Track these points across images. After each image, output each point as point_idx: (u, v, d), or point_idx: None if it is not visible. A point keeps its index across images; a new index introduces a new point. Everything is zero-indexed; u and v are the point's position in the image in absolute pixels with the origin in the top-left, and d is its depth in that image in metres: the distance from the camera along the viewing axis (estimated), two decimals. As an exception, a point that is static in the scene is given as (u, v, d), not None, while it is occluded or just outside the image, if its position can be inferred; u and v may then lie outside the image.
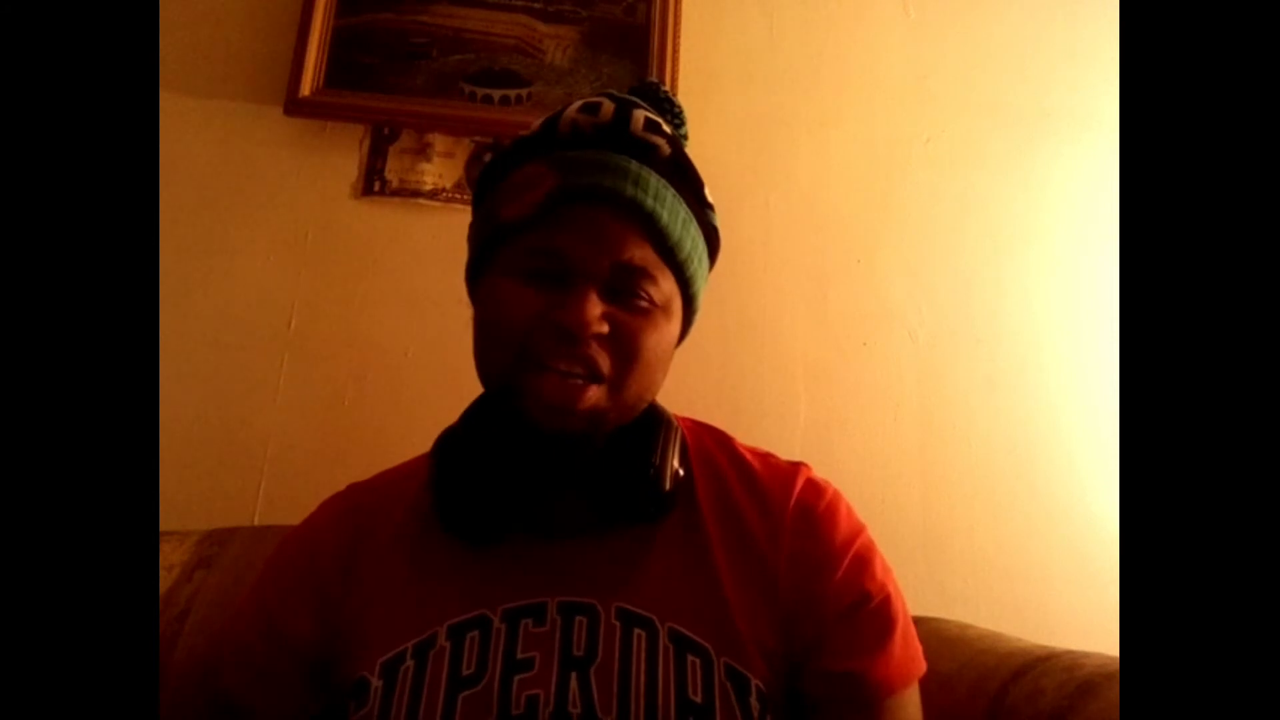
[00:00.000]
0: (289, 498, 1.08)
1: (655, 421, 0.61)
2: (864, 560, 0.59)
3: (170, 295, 1.11)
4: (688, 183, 0.60)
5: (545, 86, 1.26)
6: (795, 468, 0.64)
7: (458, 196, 1.23)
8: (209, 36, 1.24)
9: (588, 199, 0.55)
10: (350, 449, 1.11)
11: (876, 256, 1.31)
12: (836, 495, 0.63)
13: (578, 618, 0.55)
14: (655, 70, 1.27)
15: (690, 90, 1.28)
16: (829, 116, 1.36)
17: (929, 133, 1.37)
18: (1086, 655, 0.67)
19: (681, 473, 0.60)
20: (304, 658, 0.59)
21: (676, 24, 1.30)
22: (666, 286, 0.58)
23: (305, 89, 1.20)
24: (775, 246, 1.29)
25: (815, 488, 0.62)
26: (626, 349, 0.56)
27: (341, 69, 1.22)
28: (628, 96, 0.62)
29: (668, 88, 1.25)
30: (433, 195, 1.23)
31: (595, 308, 0.54)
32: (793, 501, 0.60)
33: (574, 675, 0.53)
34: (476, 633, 0.55)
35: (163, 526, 0.81)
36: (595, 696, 0.52)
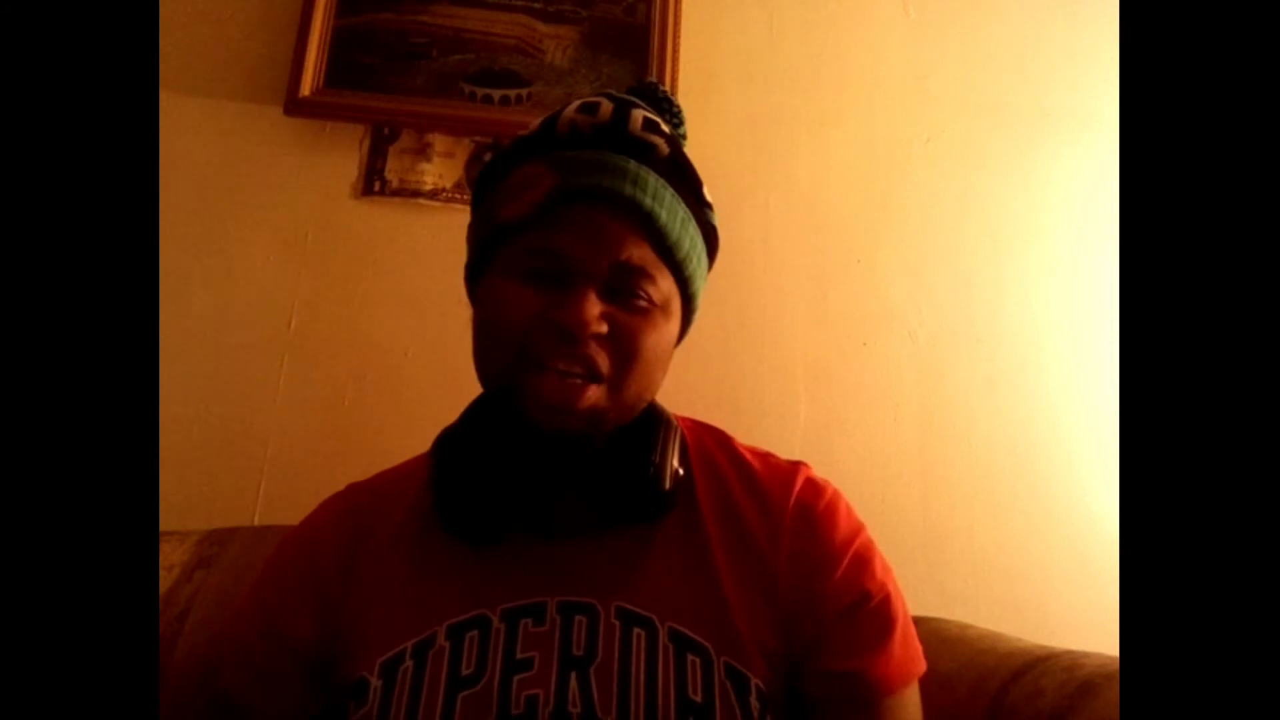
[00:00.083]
0: (289, 498, 1.08)
1: (655, 421, 0.61)
2: (864, 559, 0.59)
3: (170, 295, 1.11)
4: (686, 182, 0.60)
5: (545, 86, 1.26)
6: (795, 467, 0.64)
7: (458, 196, 1.23)
8: (209, 36, 1.24)
9: (586, 199, 0.55)
10: (350, 449, 1.11)
11: (876, 256, 1.31)
12: (836, 494, 0.63)
13: (577, 617, 0.55)
14: (655, 70, 1.27)
15: (690, 90, 1.28)
16: (829, 116, 1.35)
17: (929, 133, 1.37)
18: (1086, 655, 0.67)
19: (681, 472, 0.60)
20: (304, 658, 0.59)
21: (676, 24, 1.30)
22: (665, 286, 0.58)
23: (305, 89, 1.20)
24: (775, 246, 1.29)
25: (815, 487, 0.62)
26: (626, 349, 0.56)
27: (341, 69, 1.22)
28: (626, 96, 0.62)
29: (667, 88, 1.25)
30: (433, 195, 1.23)
31: (594, 307, 0.54)
32: (792, 501, 0.60)
33: (574, 675, 0.53)
34: (476, 632, 0.55)
35: (163, 526, 0.81)
36: (595, 696, 0.52)
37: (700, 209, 0.61)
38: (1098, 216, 1.36)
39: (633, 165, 0.57)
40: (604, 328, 0.55)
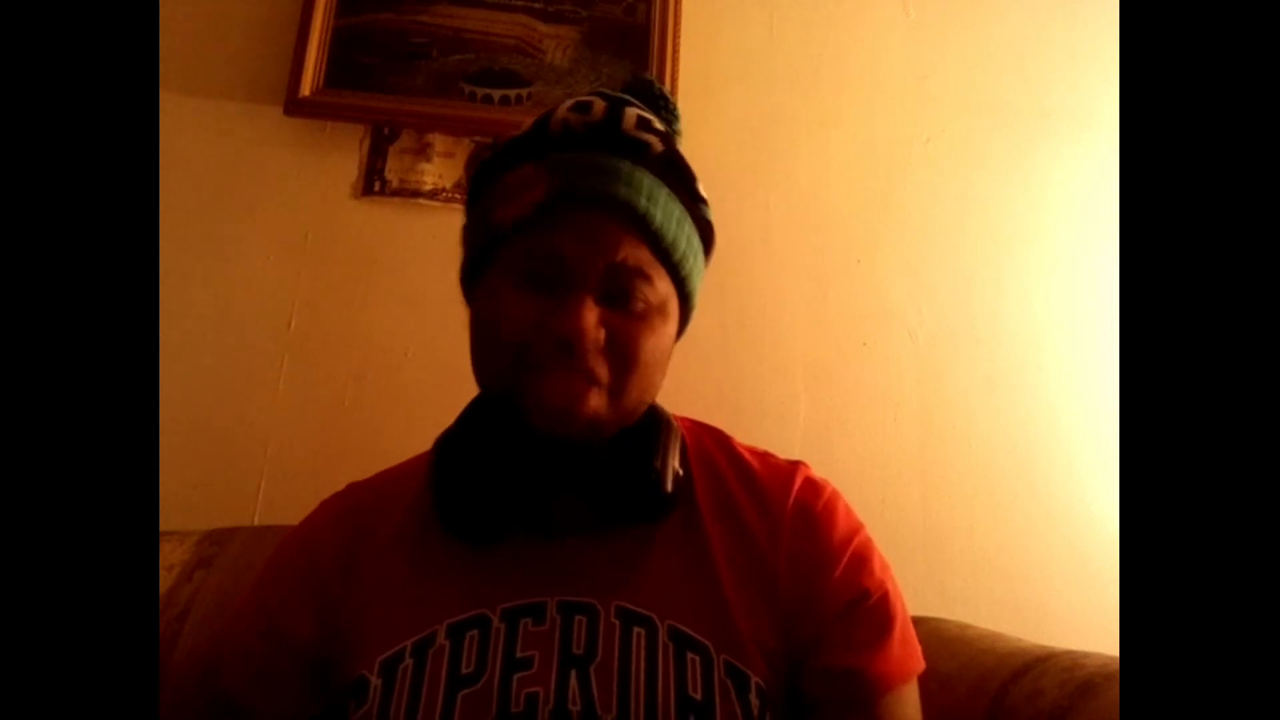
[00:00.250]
0: (289, 498, 1.08)
1: (655, 423, 0.61)
2: (862, 558, 0.59)
3: (170, 295, 1.11)
4: (681, 179, 0.60)
5: (545, 86, 1.26)
6: (794, 467, 0.64)
7: (458, 196, 1.23)
8: (209, 36, 1.24)
9: (581, 202, 0.55)
10: (350, 449, 1.11)
11: (876, 256, 1.31)
12: (834, 494, 0.63)
13: (577, 617, 0.55)
14: (655, 70, 1.27)
15: (690, 90, 1.28)
16: (829, 116, 1.36)
17: (929, 133, 1.37)
18: (1086, 655, 0.67)
19: (681, 473, 0.60)
20: (304, 657, 0.59)
21: (676, 24, 1.30)
22: (662, 287, 0.58)
23: (305, 89, 1.20)
24: (775, 246, 1.29)
25: (814, 486, 0.62)
26: (625, 355, 0.56)
27: (341, 69, 1.22)
28: (619, 94, 0.61)
29: (667, 87, 1.25)
30: (433, 195, 1.23)
31: (591, 315, 0.54)
32: (791, 500, 0.60)
33: (574, 673, 0.53)
34: (476, 631, 0.55)
35: (163, 526, 0.80)
36: (595, 694, 0.52)
37: (695, 205, 0.61)
38: (1098, 216, 1.36)
39: (626, 166, 0.57)
40: (602, 336, 0.55)
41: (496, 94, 1.25)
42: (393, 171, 1.23)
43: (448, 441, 0.61)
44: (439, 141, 1.25)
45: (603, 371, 0.55)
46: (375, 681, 0.54)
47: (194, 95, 1.21)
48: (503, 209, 0.57)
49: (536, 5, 1.30)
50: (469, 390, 0.62)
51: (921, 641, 0.60)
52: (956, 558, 1.19)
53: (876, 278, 1.30)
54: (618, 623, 0.55)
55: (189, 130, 1.19)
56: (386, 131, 1.24)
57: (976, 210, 1.34)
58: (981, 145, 1.37)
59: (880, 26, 1.40)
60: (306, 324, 1.16)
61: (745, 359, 1.23)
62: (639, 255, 0.56)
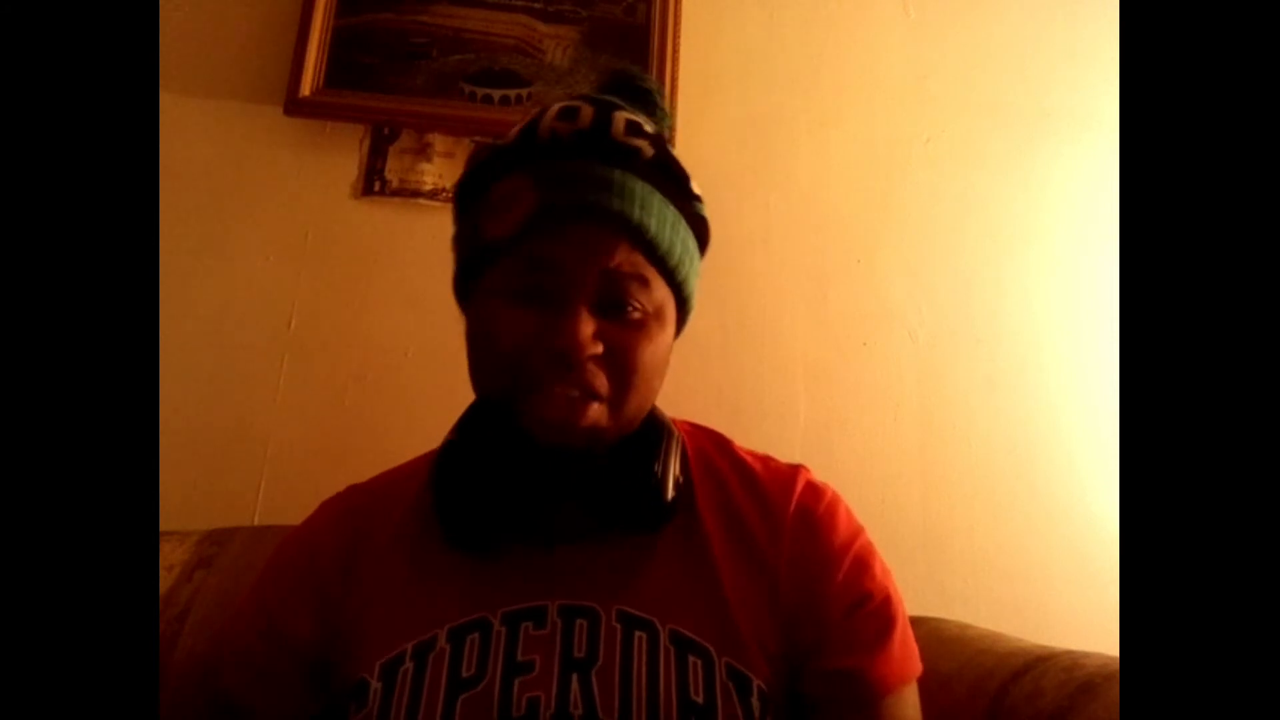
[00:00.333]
0: (289, 498, 1.08)
1: (656, 430, 0.61)
2: (864, 562, 0.59)
3: (170, 295, 1.11)
4: (673, 179, 0.59)
5: (545, 86, 1.26)
6: (795, 470, 0.64)
7: (458, 196, 1.23)
8: (209, 36, 1.24)
9: (572, 215, 0.54)
10: (350, 449, 1.11)
11: (876, 256, 1.31)
12: (835, 497, 0.63)
13: (578, 620, 0.55)
14: (655, 70, 1.27)
15: (690, 90, 1.28)
16: (829, 116, 1.35)
17: (929, 133, 1.37)
18: (1086, 655, 0.67)
19: (681, 480, 0.60)
20: (304, 658, 0.59)
21: (676, 24, 1.30)
22: (659, 293, 0.57)
23: (305, 89, 1.20)
24: (775, 246, 1.29)
25: (815, 490, 0.62)
26: (623, 366, 0.55)
27: (341, 69, 1.22)
28: (606, 98, 0.60)
29: (667, 87, 1.26)
30: (433, 195, 1.23)
31: (588, 327, 0.53)
32: (793, 504, 0.60)
33: (575, 677, 0.53)
34: (476, 635, 0.55)
35: (163, 526, 0.80)
36: (597, 698, 0.52)
37: (689, 204, 0.60)
38: (1098, 216, 1.36)
39: (617, 175, 0.55)
40: (599, 348, 0.54)
41: (496, 94, 1.25)
42: (393, 171, 1.23)
43: (448, 451, 0.61)
44: (439, 141, 1.25)
45: (601, 384, 0.55)
46: (375, 684, 0.54)
47: (194, 95, 1.21)
48: (493, 222, 0.56)
49: (536, 5, 1.30)
50: (469, 391, 0.62)
51: (921, 642, 0.60)
52: (956, 558, 1.19)
53: (876, 278, 1.30)
54: (619, 626, 0.55)
55: (189, 130, 1.19)
56: (386, 131, 1.24)
57: (976, 210, 1.34)
58: (981, 145, 1.37)
59: (880, 26, 1.40)
60: (306, 324, 1.16)
61: (745, 359, 1.23)
62: (634, 260, 0.56)
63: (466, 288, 0.61)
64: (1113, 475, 1.24)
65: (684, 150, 0.61)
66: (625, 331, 0.56)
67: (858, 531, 0.61)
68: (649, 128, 0.59)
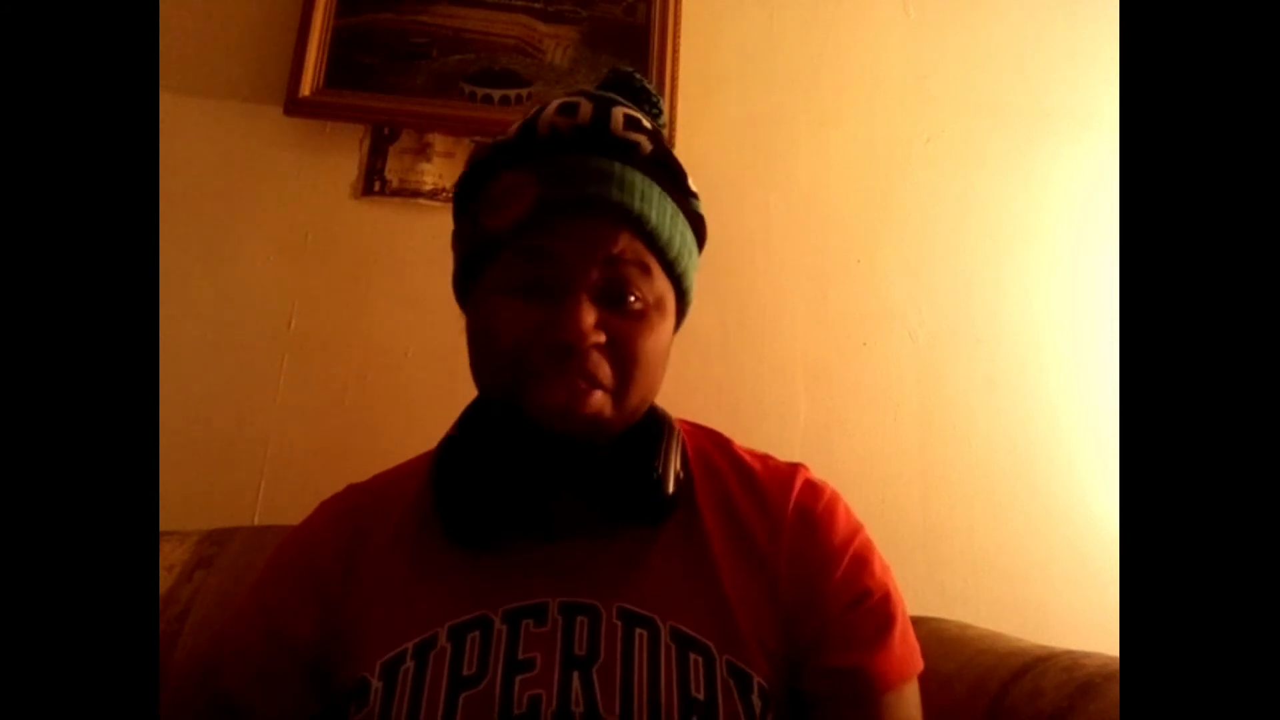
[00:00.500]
0: (289, 498, 1.08)
1: (657, 425, 0.61)
2: (863, 559, 0.59)
3: (170, 295, 1.11)
4: (671, 175, 0.60)
5: (545, 86, 1.26)
6: (794, 469, 0.64)
7: (458, 196, 1.23)
8: (209, 36, 1.24)
9: (573, 208, 0.55)
10: (350, 449, 1.11)
11: (876, 256, 1.31)
12: (834, 496, 0.63)
13: (579, 618, 0.55)
14: (655, 70, 1.27)
15: (690, 90, 1.29)
16: (829, 116, 1.36)
17: (929, 133, 1.37)
18: (1086, 655, 0.67)
19: (682, 475, 0.60)
20: (304, 658, 0.59)
21: (676, 24, 1.30)
22: (659, 283, 0.58)
23: (305, 89, 1.20)
24: (775, 246, 1.29)
25: (813, 489, 0.62)
26: (625, 356, 0.55)
27: (341, 69, 1.22)
28: (605, 94, 0.60)
29: (667, 87, 1.26)
30: (433, 195, 1.23)
31: (589, 316, 0.54)
32: (792, 503, 0.60)
33: (576, 675, 0.53)
34: (477, 633, 0.55)
35: (163, 526, 0.80)
36: (598, 695, 0.52)
37: (686, 199, 0.61)
38: (1098, 216, 1.36)
39: (617, 168, 0.56)
40: (602, 337, 0.54)
41: (496, 94, 1.25)
42: (393, 171, 1.23)
43: (449, 447, 0.61)
44: (439, 141, 1.25)
45: (604, 373, 0.55)
46: (376, 684, 0.54)
47: (194, 95, 1.21)
48: (494, 217, 0.57)
49: (536, 5, 1.30)
50: (469, 390, 0.62)
51: (921, 641, 0.60)
52: (956, 558, 1.19)
53: (876, 278, 1.30)
54: (620, 624, 0.55)
55: (189, 130, 1.19)
56: (386, 131, 1.24)
57: (976, 210, 1.34)
58: (981, 145, 1.37)
59: (880, 26, 1.40)
60: (306, 324, 1.16)
61: (745, 359, 1.23)
62: (636, 248, 0.56)
63: (466, 285, 0.61)
64: (1113, 475, 1.24)
65: (684, 150, 0.62)
66: (627, 321, 0.56)
67: (857, 529, 0.61)
68: (647, 123, 0.60)
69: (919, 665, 0.58)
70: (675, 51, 1.29)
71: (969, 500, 1.22)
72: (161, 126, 1.14)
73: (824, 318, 1.27)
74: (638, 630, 0.55)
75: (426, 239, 1.20)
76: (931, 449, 1.24)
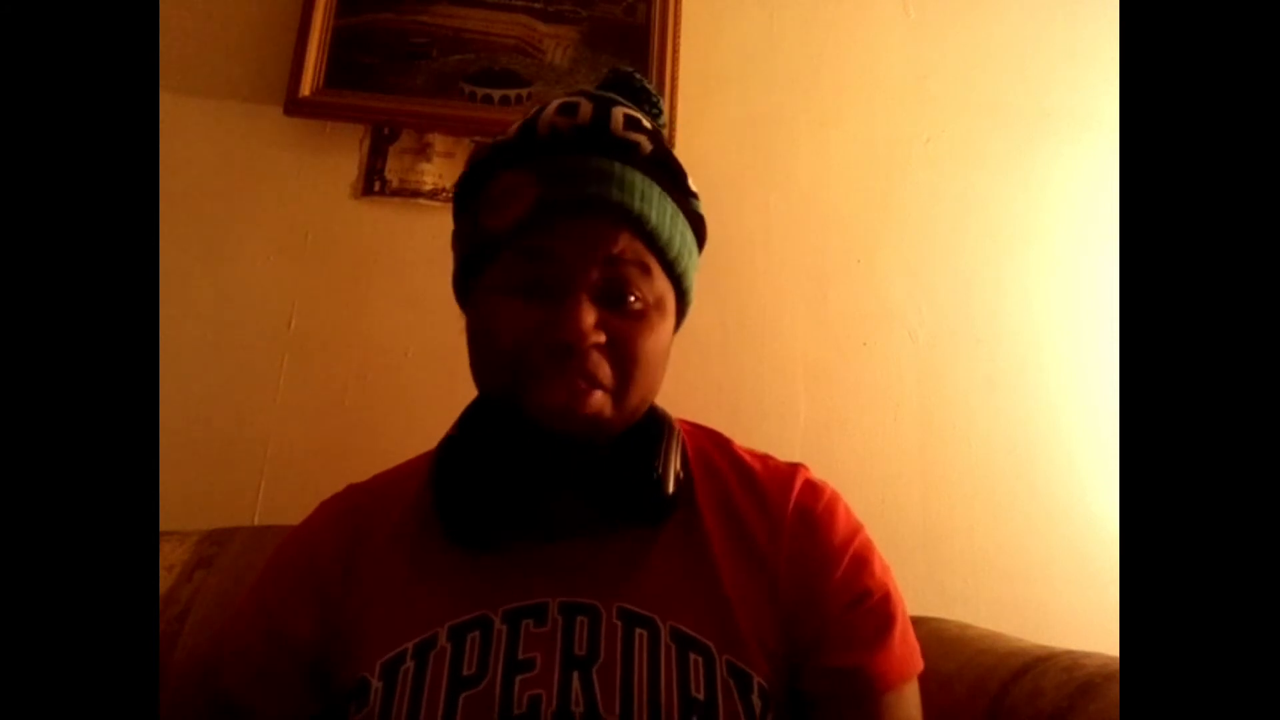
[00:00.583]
0: (289, 498, 1.08)
1: (657, 425, 0.61)
2: (863, 559, 0.59)
3: (170, 295, 1.11)
4: (671, 175, 0.60)
5: (545, 86, 1.26)
6: (793, 469, 0.64)
7: (458, 196, 1.23)
8: (209, 36, 1.24)
9: (573, 208, 0.55)
10: (350, 449, 1.11)
11: (876, 256, 1.31)
12: (834, 496, 0.63)
13: (579, 618, 0.55)
14: (655, 70, 1.27)
15: (690, 90, 1.29)
16: (829, 116, 1.36)
17: (929, 133, 1.37)
18: (1086, 655, 0.67)
19: (682, 475, 0.60)
20: (304, 657, 0.59)
21: (676, 24, 1.30)
22: (659, 283, 0.58)
23: (305, 89, 1.20)
24: (775, 246, 1.29)
25: (813, 489, 0.62)
26: (625, 356, 0.55)
27: (341, 69, 1.22)
28: (605, 94, 0.60)
29: (667, 87, 1.26)
30: (433, 195, 1.23)
31: (590, 316, 0.54)
32: (792, 502, 0.60)
33: (576, 675, 0.53)
34: (477, 633, 0.55)
35: (163, 526, 0.80)
36: (598, 695, 0.52)
37: (686, 199, 0.61)
38: (1098, 216, 1.36)
39: (617, 168, 0.56)
40: (602, 337, 0.54)
41: (496, 94, 1.25)
42: (393, 171, 1.23)
43: (449, 447, 0.61)
44: (439, 141, 1.25)
45: (604, 373, 0.55)
46: (376, 684, 0.54)
47: (194, 95, 1.21)
48: (493, 217, 0.57)
49: (536, 5, 1.30)
50: (469, 390, 0.62)
51: (921, 641, 0.60)
52: (956, 558, 1.19)
53: (876, 278, 1.30)
54: (619, 624, 0.55)
55: (189, 130, 1.19)
56: (386, 131, 1.24)
57: (976, 210, 1.34)
58: (981, 145, 1.37)
59: (880, 26, 1.40)
60: (306, 324, 1.16)
61: (745, 359, 1.23)
62: (636, 248, 0.56)
63: (466, 285, 0.61)
64: (1113, 475, 1.24)
65: (684, 150, 0.62)
66: (627, 321, 0.56)
67: (857, 529, 0.62)
68: (647, 123, 0.60)
69: (919, 665, 0.58)
70: (675, 51, 1.29)
71: (969, 500, 1.22)
72: (161, 126, 1.14)
73: (824, 318, 1.27)
74: (638, 630, 0.55)
75: (426, 239, 1.20)
76: (931, 449, 1.24)
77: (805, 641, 0.56)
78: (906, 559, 1.16)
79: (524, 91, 1.26)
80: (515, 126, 0.60)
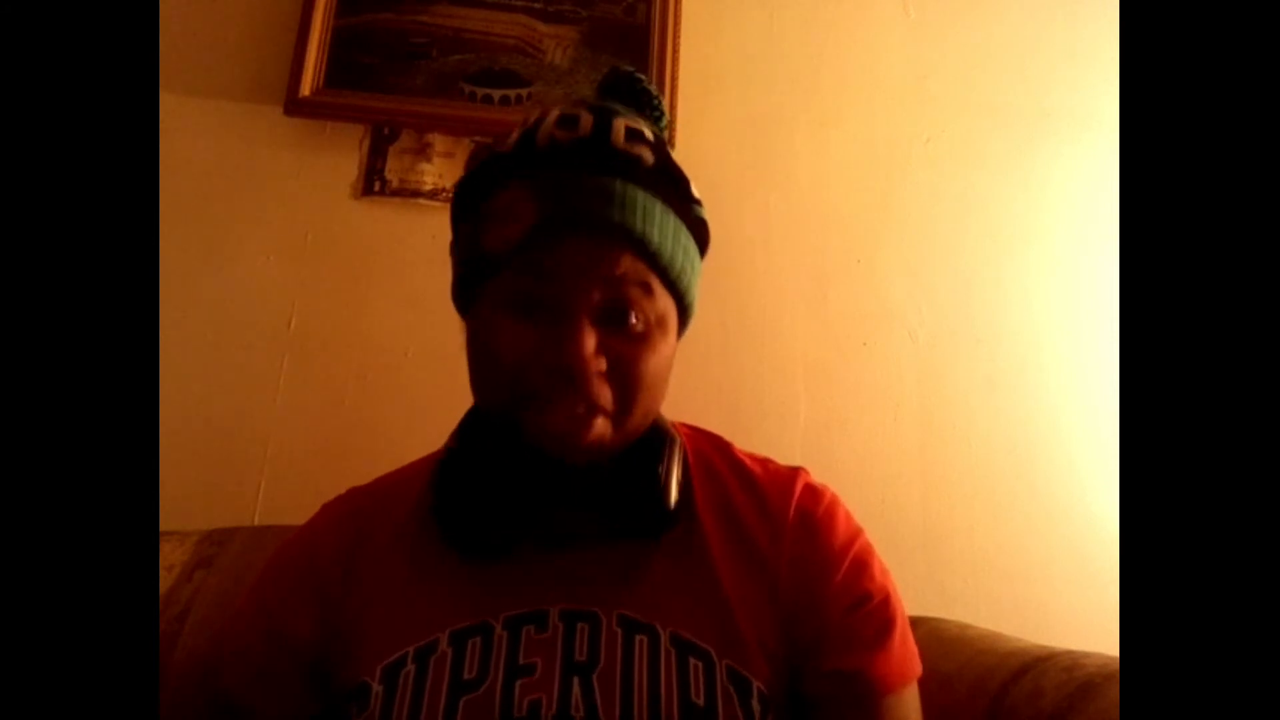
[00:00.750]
0: (289, 498, 1.08)
1: (658, 436, 0.60)
2: (863, 562, 0.59)
3: (170, 295, 1.11)
4: (673, 184, 0.58)
5: (545, 86, 1.26)
6: (794, 472, 0.64)
7: (458, 196, 1.23)
8: (209, 36, 1.24)
9: (573, 228, 0.54)
10: (350, 449, 1.11)
11: (876, 256, 1.31)
12: (834, 499, 0.63)
13: (579, 624, 0.55)
14: (655, 70, 1.27)
15: (690, 90, 1.29)
16: (829, 116, 1.36)
17: (929, 133, 1.37)
18: (1086, 655, 0.67)
19: (683, 484, 0.59)
20: (304, 658, 0.59)
21: (676, 24, 1.30)
22: (661, 301, 0.57)
23: (305, 89, 1.20)
24: (775, 246, 1.29)
25: (814, 492, 0.62)
26: (627, 380, 0.55)
27: (341, 69, 1.22)
28: (606, 104, 0.59)
29: (667, 87, 1.26)
30: (433, 195, 1.23)
31: (590, 340, 0.53)
32: (793, 506, 0.60)
33: (576, 680, 0.53)
34: (478, 638, 0.55)
35: (163, 526, 0.80)
36: (598, 701, 0.52)
37: (689, 208, 0.60)
38: (1098, 216, 1.36)
39: (619, 185, 0.54)
40: (603, 364, 0.54)
41: (496, 94, 1.25)
42: (393, 171, 1.23)
43: (449, 460, 0.60)
44: (439, 141, 1.25)
45: (605, 397, 0.54)
46: (377, 688, 0.54)
47: (194, 95, 1.21)
48: (492, 234, 0.55)
49: (536, 5, 1.30)
50: (469, 391, 0.62)
51: (921, 642, 0.60)
52: (956, 558, 1.19)
53: (876, 278, 1.30)
54: (620, 630, 0.55)
55: (189, 130, 1.19)
56: (386, 131, 1.24)
57: (976, 210, 1.34)
58: (981, 145, 1.37)
59: (880, 26, 1.40)
60: (306, 324, 1.16)
61: (745, 359, 1.23)
62: (638, 269, 0.55)
63: (465, 297, 0.60)
64: (1113, 475, 1.24)
65: (684, 150, 0.61)
66: (629, 344, 0.55)
67: (857, 533, 0.61)
68: (649, 133, 0.58)
69: (918, 669, 0.58)
70: (675, 51, 1.29)
71: (969, 500, 1.22)
72: (161, 126, 1.14)
73: (824, 318, 1.27)
74: (638, 636, 0.55)
75: (426, 239, 1.20)
76: (931, 449, 1.24)
77: (805, 644, 0.56)
78: (906, 559, 1.16)
79: (524, 91, 1.26)
80: (514, 137, 0.58)
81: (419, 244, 1.20)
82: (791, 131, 1.34)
